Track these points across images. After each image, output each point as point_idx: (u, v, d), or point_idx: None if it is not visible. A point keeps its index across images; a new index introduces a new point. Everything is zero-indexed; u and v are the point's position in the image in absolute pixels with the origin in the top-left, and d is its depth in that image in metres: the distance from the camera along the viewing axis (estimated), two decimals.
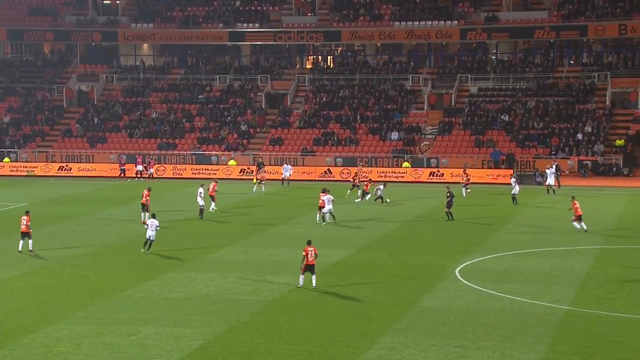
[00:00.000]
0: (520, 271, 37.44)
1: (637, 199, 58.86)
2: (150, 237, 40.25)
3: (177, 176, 72.79)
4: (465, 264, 38.53)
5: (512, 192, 55.25)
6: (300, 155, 75.04)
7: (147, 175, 70.84)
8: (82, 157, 77.47)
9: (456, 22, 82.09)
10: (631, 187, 63.99)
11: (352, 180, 60.97)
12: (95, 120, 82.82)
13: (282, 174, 67.49)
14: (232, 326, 29.71)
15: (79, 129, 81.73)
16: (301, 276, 34.01)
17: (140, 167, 71.28)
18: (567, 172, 69.02)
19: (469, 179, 59.90)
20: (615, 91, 76.77)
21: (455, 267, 38.00)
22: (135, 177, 70.59)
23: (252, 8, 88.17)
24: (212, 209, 52.79)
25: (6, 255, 41.20)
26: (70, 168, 74.72)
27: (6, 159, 76.98)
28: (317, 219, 48.98)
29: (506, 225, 48.53)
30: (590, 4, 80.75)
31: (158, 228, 40.52)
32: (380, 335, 28.49)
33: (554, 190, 60.32)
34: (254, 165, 70.28)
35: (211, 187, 53.34)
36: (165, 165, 74.29)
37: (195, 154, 76.82)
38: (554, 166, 62.29)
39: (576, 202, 45.76)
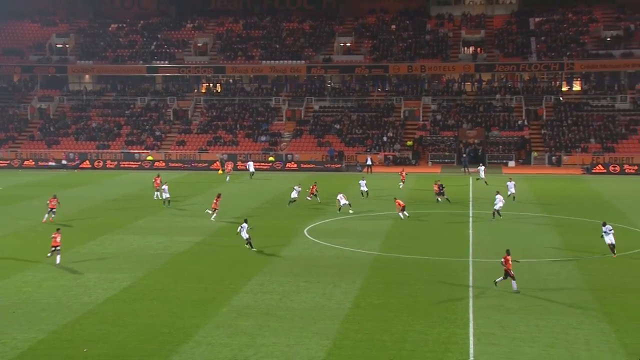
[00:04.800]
0: (347, 230, 37.93)
1: (421, 179, 60.30)
2: (246, 237, 32.70)
3: (111, 167, 70.72)
4: (311, 226, 38.85)
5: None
6: (198, 152, 73.93)
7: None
8: (42, 155, 74.21)
9: (303, 61, 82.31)
10: (417, 172, 65.71)
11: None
12: (51, 128, 79.47)
13: (247, 169, 62.60)
14: (150, 271, 29.18)
15: (39, 135, 78.23)
16: None
17: (64, 162, 69.61)
18: (377, 162, 70.46)
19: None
20: (407, 109, 78.65)
21: (304, 228, 38.25)
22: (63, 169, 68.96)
23: (163, 50, 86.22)
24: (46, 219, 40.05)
25: None
26: (34, 162, 71.54)
27: None
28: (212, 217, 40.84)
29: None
30: (389, 51, 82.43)
31: (249, 228, 33.16)
32: (253, 275, 28.49)
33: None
34: (219, 162, 66.56)
35: (49, 201, 40.59)
36: (102, 160, 72.01)
37: (123, 152, 74.68)
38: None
39: (398, 200, 42.52)
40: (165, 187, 45.35)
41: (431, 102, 78.66)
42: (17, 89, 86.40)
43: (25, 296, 25.61)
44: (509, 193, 44.54)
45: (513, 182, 46.72)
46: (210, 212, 40.76)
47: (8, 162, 72.14)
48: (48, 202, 40.50)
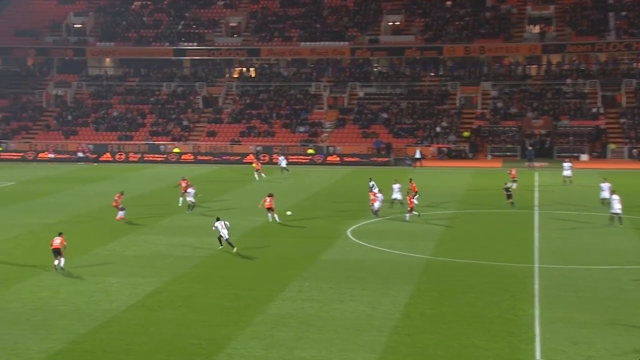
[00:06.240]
0: (394, 231, 37.87)
1: (479, 175, 60.04)
2: (225, 237, 33.17)
3: (134, 160, 71.70)
4: (354, 227, 38.85)
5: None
6: (230, 144, 74.53)
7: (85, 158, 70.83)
8: (58, 146, 75.49)
9: (347, 43, 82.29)
10: (475, 167, 65.31)
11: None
12: (69, 117, 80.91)
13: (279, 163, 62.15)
14: (176, 276, 29.50)
15: (55, 124, 79.75)
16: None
17: (81, 154, 70.67)
18: (430, 156, 70.09)
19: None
20: (463, 96, 78.01)
21: (347, 229, 38.27)
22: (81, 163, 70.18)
23: (192, 31, 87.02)
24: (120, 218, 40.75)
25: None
26: (49, 154, 72.71)
27: None
28: (270, 219, 40.12)
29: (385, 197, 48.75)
30: (444, 31, 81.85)
31: (228, 225, 33.50)
32: (291, 281, 28.60)
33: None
34: (254, 154, 66.49)
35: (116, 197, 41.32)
36: (123, 153, 72.99)
37: (147, 143, 75.62)
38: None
39: (410, 197, 40.99)
40: (191, 190, 43.51)
41: (491, 88, 77.92)
42: (31, 73, 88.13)
43: (42, 302, 26.14)
44: (601, 197, 43.08)
45: (608, 184, 42.92)
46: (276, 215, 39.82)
47: (22, 154, 73.63)
48: (116, 198, 40.88)
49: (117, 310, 25.20)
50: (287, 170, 61.24)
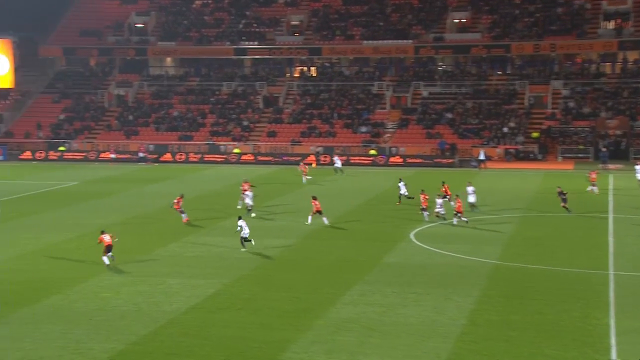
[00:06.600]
0: (459, 234, 37.52)
1: (549, 177, 59.01)
2: (246, 234, 34.29)
3: (194, 160, 72.63)
4: (418, 230, 38.61)
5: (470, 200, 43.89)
6: (290, 144, 74.88)
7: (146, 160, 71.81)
8: (119, 146, 77.02)
9: (411, 41, 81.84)
10: (544, 169, 64.24)
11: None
12: (130, 117, 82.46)
13: (335, 163, 62.83)
14: (237, 278, 29.78)
15: (117, 124, 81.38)
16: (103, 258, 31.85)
17: (141, 154, 71.93)
18: (496, 157, 69.19)
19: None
20: (532, 95, 76.77)
21: (410, 232, 38.07)
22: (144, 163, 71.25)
23: (252, 30, 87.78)
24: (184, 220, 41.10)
25: (61, 223, 41.14)
26: (111, 155, 74.24)
27: (62, 147, 76.97)
28: (309, 221, 40.27)
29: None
30: (512, 27, 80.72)
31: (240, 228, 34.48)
32: (353, 284, 28.57)
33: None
34: (313, 155, 66.13)
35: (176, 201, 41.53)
36: (184, 153, 73.96)
37: (207, 143, 76.55)
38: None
39: (459, 200, 40.39)
40: (249, 192, 43.65)
41: (562, 87, 76.50)
42: (94, 73, 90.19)
43: (103, 302, 26.70)
44: None
45: None
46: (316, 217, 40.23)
47: (84, 154, 75.34)
48: (175, 201, 41.07)
49: (178, 312, 25.55)
50: (337, 171, 61.33)
